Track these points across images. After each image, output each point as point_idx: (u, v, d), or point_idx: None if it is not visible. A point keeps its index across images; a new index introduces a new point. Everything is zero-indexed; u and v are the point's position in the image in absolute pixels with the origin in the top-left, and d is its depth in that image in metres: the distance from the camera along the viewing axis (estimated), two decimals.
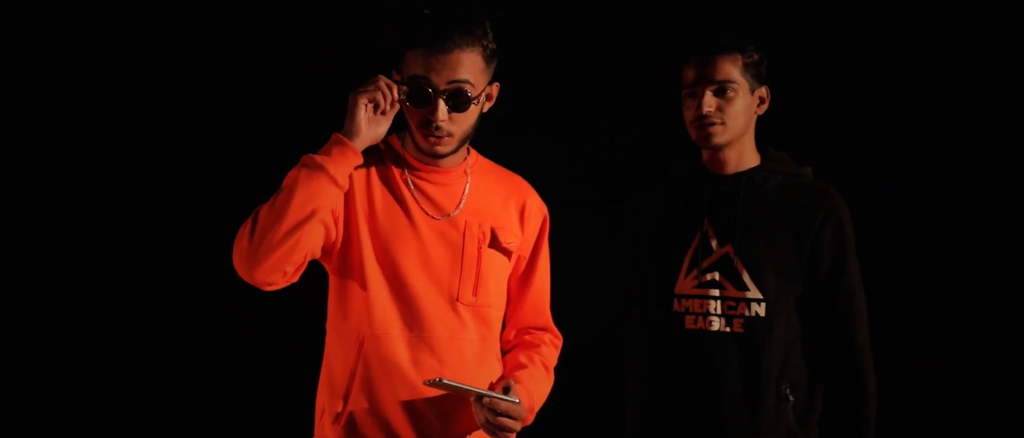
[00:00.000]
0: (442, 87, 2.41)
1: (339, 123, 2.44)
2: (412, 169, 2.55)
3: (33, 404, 3.62)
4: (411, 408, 2.47)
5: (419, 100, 2.41)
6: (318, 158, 2.37)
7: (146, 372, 3.65)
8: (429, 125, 2.44)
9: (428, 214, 2.53)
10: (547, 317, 2.72)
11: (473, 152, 2.62)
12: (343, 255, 2.50)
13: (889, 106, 3.56)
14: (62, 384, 3.62)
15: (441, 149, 2.47)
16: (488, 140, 2.64)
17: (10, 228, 3.58)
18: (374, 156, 2.55)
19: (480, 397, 2.41)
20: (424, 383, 2.38)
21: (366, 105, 2.39)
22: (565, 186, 3.53)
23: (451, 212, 2.55)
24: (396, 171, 2.55)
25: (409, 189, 2.53)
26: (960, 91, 3.52)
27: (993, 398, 3.52)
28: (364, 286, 2.48)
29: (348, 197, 2.50)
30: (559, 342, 2.73)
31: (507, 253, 2.60)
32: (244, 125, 3.64)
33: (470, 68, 2.42)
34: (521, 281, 2.68)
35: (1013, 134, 3.48)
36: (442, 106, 2.42)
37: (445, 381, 2.35)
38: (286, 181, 2.38)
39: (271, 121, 3.61)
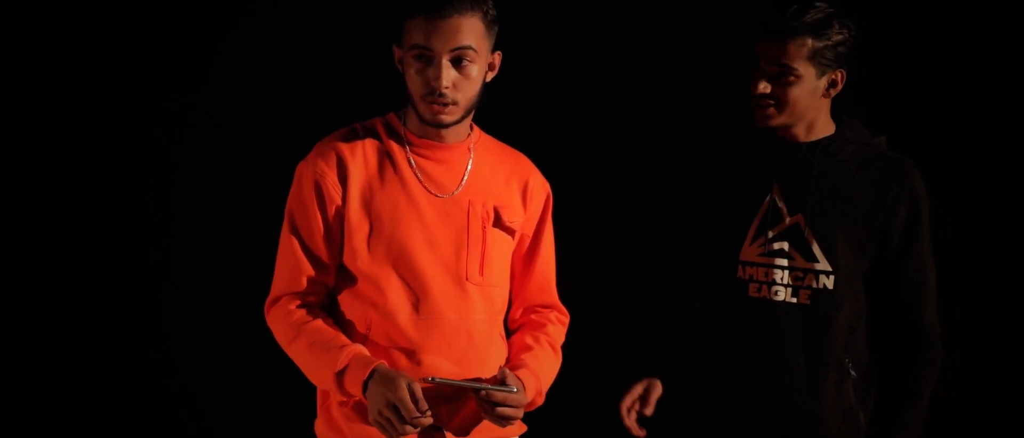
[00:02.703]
0: (445, 53, 2.39)
1: (343, 113, 2.46)
2: (413, 146, 2.52)
3: (33, 404, 3.61)
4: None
5: (423, 67, 2.40)
6: (340, 380, 2.39)
7: (145, 372, 3.65)
8: (433, 93, 2.41)
9: (431, 192, 2.50)
10: (553, 295, 2.69)
11: (476, 128, 2.59)
12: (349, 241, 2.49)
13: (889, 106, 3.56)
14: (62, 384, 3.62)
15: (446, 118, 2.44)
16: (493, 117, 2.62)
17: (10, 228, 3.57)
18: (373, 135, 2.53)
19: (477, 390, 2.40)
20: (418, 382, 2.36)
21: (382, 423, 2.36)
22: (576, 168, 3.53)
23: (454, 190, 2.52)
24: (397, 149, 2.51)
25: (411, 167, 2.50)
26: (961, 90, 3.52)
27: (994, 399, 3.52)
28: (370, 268, 2.47)
29: (347, 181, 2.48)
30: (566, 319, 2.69)
31: (511, 232, 2.57)
32: (246, 120, 3.63)
33: (471, 33, 2.40)
34: (526, 259, 2.64)
35: (1015, 132, 3.48)
36: (447, 71, 2.39)
37: (438, 379, 2.34)
38: (304, 354, 2.44)
39: (272, 118, 3.61)
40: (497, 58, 2.50)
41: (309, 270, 2.48)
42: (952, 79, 3.53)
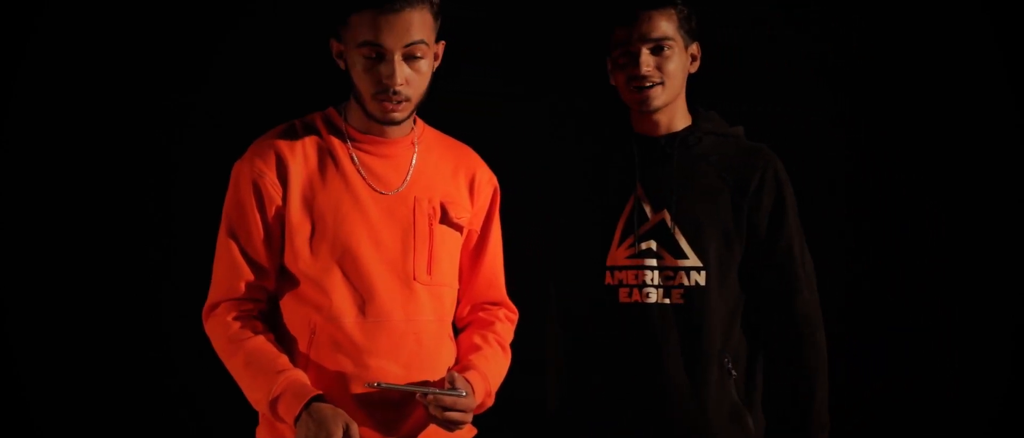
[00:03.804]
0: (397, 50, 2.30)
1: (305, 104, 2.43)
2: (355, 142, 2.43)
3: (33, 404, 3.61)
4: (366, 399, 2.36)
5: (372, 65, 2.31)
6: (273, 407, 2.32)
7: (145, 372, 3.65)
8: (386, 91, 2.32)
9: (375, 189, 2.41)
10: (501, 292, 2.60)
11: (419, 121, 2.51)
12: (290, 242, 2.39)
13: (888, 105, 3.56)
14: (62, 384, 3.62)
15: (398, 115, 2.36)
16: (493, 117, 2.57)
17: (10, 228, 3.57)
18: (312, 131, 2.44)
19: (425, 394, 2.32)
20: (364, 386, 2.30)
21: None
22: (520, 158, 3.49)
23: (398, 187, 2.42)
24: (338, 145, 2.42)
25: (354, 164, 2.41)
26: (961, 89, 3.52)
27: (994, 400, 3.52)
28: (313, 270, 2.37)
29: (287, 180, 2.38)
30: (514, 316, 2.61)
31: (458, 228, 2.48)
32: (246, 120, 3.62)
33: (422, 27, 2.31)
34: (473, 255, 2.55)
35: (1015, 132, 3.48)
36: (400, 69, 2.31)
37: (384, 384, 2.27)
38: (240, 373, 2.38)
39: (272, 118, 3.60)
40: (441, 48, 2.41)
41: (248, 275, 2.39)
42: (952, 79, 3.52)
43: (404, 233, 2.41)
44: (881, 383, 3.55)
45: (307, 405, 2.27)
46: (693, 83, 2.73)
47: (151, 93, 3.58)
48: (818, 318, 2.67)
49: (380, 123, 2.40)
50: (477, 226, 2.54)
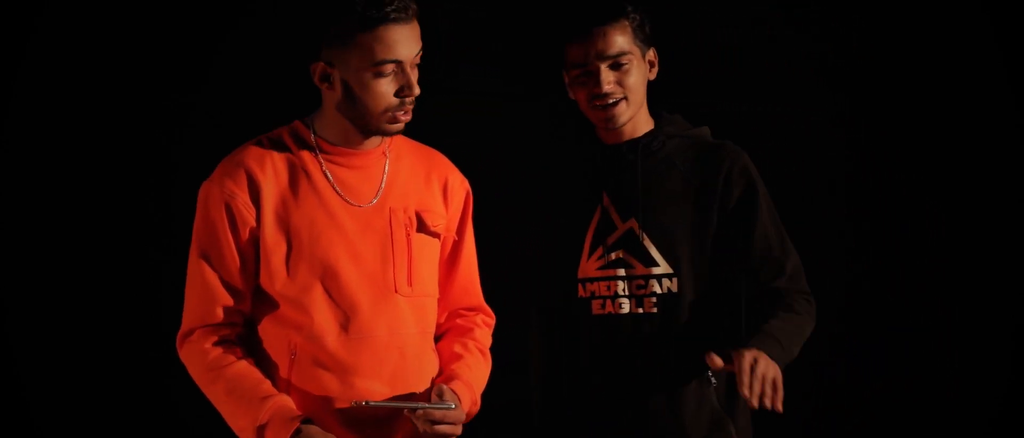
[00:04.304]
0: (409, 60, 2.27)
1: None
2: (325, 154, 2.37)
3: (33, 404, 3.61)
4: (353, 418, 2.32)
5: (390, 80, 2.26)
6: (260, 435, 2.26)
7: (145, 372, 3.65)
8: (405, 102, 2.28)
9: (349, 202, 2.35)
10: (478, 297, 2.55)
11: None
12: (266, 263, 2.33)
13: (888, 105, 3.56)
14: (62, 384, 3.62)
15: (407, 120, 2.33)
16: (492, 117, 2.53)
17: (10, 228, 3.57)
18: (280, 147, 2.38)
19: (413, 410, 2.27)
20: (351, 405, 2.24)
21: None
22: (519, 158, 3.47)
23: (373, 198, 2.37)
24: (309, 159, 2.36)
25: (326, 178, 2.35)
26: (961, 89, 3.52)
27: (994, 400, 3.52)
28: (291, 290, 2.31)
29: (260, 200, 2.33)
30: (492, 321, 2.56)
31: (435, 236, 2.43)
32: (246, 120, 3.62)
33: (418, 33, 2.28)
34: (449, 262, 2.50)
35: (1015, 132, 3.48)
36: (414, 75, 2.27)
37: (371, 403, 2.23)
38: (222, 401, 2.32)
39: (272, 118, 3.60)
40: None
41: (224, 299, 2.32)
42: (952, 79, 3.52)
43: (382, 246, 2.36)
44: (881, 383, 3.55)
45: (296, 432, 2.23)
46: (697, 86, 2.71)
47: (151, 93, 3.58)
48: (803, 300, 2.57)
49: (385, 134, 2.36)
50: (452, 232, 2.49)
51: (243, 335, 2.37)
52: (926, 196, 3.51)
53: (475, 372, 2.45)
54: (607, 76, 2.54)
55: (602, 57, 2.54)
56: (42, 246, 3.58)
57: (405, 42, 2.26)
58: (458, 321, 2.54)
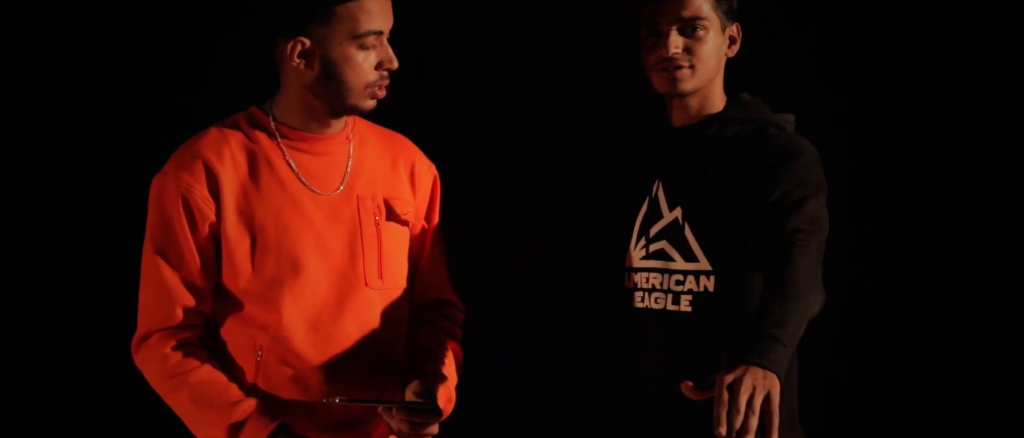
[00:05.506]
0: (387, 29, 2.19)
1: None
2: (287, 139, 2.25)
3: (33, 404, 3.61)
4: (323, 419, 2.24)
5: (369, 53, 2.18)
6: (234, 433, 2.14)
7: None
8: (383, 77, 2.20)
9: (314, 191, 2.24)
10: (448, 288, 2.45)
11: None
12: (228, 260, 2.21)
13: (888, 105, 3.55)
14: (62, 384, 3.62)
15: (383, 96, 2.24)
16: (491, 117, 2.48)
17: (10, 228, 3.57)
18: (237, 134, 2.27)
19: (389, 407, 2.17)
20: (323, 402, 2.12)
21: None
22: (519, 158, 3.45)
23: (338, 186, 2.26)
24: (269, 146, 2.25)
25: (289, 167, 2.24)
26: (961, 89, 3.52)
27: (994, 400, 3.52)
28: (257, 287, 2.20)
29: (219, 192, 2.21)
30: (461, 313, 2.47)
31: (405, 223, 2.33)
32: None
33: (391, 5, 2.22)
34: (416, 251, 2.39)
35: (1015, 131, 3.47)
36: (390, 50, 2.19)
37: (343, 399, 2.09)
38: (186, 409, 2.18)
39: None
40: None
41: (183, 299, 2.20)
42: (952, 79, 3.52)
43: (350, 236, 2.25)
44: (881, 383, 3.55)
45: (277, 429, 2.13)
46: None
47: (151, 93, 3.58)
48: (812, 279, 2.27)
49: (358, 113, 2.25)
50: (421, 219, 2.39)
51: (204, 337, 2.25)
52: (926, 196, 3.51)
53: (449, 367, 2.34)
54: (676, 40, 2.38)
55: (673, 19, 2.38)
56: (42, 246, 3.58)
57: (385, 12, 2.18)
58: (428, 313, 2.42)
